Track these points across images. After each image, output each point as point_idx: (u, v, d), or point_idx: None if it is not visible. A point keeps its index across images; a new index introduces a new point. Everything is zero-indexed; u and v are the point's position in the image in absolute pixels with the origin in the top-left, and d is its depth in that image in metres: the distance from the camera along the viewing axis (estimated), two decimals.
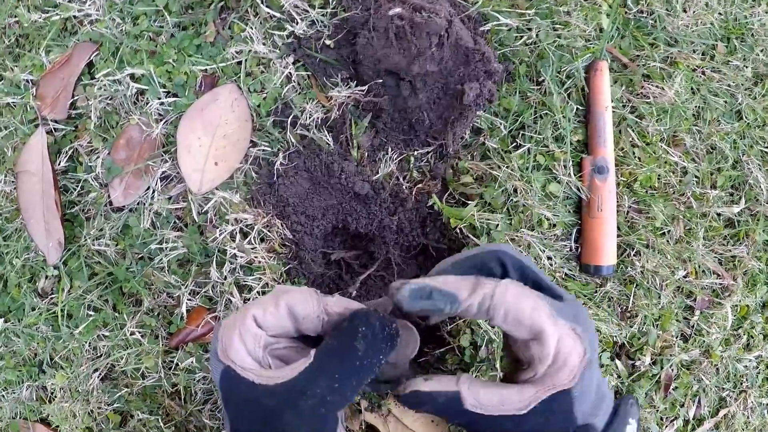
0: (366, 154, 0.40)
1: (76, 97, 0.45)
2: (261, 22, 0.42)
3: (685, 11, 0.51)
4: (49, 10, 0.47)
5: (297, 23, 0.41)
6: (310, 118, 0.40)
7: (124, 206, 0.44)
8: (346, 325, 0.24)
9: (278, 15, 0.42)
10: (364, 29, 0.38)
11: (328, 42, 0.40)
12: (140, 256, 0.43)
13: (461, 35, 0.38)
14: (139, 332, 0.43)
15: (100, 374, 0.45)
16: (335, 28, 0.41)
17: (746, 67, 0.52)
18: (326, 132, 0.40)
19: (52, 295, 0.47)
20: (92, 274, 0.45)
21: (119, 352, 0.44)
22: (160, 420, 0.43)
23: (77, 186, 0.45)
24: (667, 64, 0.49)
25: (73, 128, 0.46)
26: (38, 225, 0.46)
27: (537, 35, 0.43)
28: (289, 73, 0.41)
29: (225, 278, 0.41)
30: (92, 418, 0.46)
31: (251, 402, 0.23)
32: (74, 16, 0.47)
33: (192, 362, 0.42)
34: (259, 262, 0.39)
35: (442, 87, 0.39)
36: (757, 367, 0.51)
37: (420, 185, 0.41)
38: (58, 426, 0.47)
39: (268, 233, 0.40)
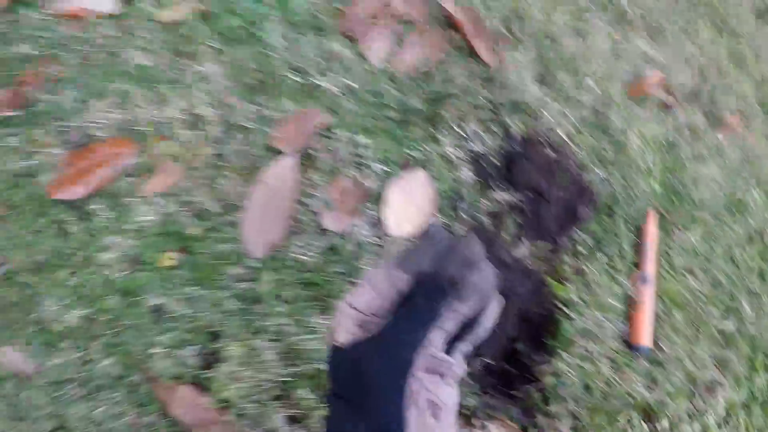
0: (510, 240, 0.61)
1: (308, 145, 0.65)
2: (452, 135, 0.65)
3: (701, 185, 0.76)
4: (292, 72, 0.68)
5: (474, 144, 0.64)
6: (479, 205, 0.61)
7: (331, 230, 0.62)
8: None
9: (464, 134, 0.65)
10: (522, 158, 0.61)
11: (495, 161, 0.63)
12: (340, 271, 0.60)
13: (585, 179, 0.61)
14: (322, 325, 0.59)
15: (276, 352, 0.59)
16: (499, 153, 0.64)
17: (740, 229, 0.77)
18: (485, 217, 0.62)
19: (242, 283, 0.62)
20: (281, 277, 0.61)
21: (302, 337, 0.58)
22: (318, 401, 0.57)
23: None
24: (691, 221, 0.73)
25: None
26: (252, 224, 0.63)
27: (615, 188, 0.66)
28: (466, 173, 0.63)
29: None
30: (257, 387, 0.58)
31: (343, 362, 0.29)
32: (316, 83, 0.68)
33: None
34: None
35: (564, 207, 0.61)
36: None
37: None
38: (213, 390, 0.58)
39: None
